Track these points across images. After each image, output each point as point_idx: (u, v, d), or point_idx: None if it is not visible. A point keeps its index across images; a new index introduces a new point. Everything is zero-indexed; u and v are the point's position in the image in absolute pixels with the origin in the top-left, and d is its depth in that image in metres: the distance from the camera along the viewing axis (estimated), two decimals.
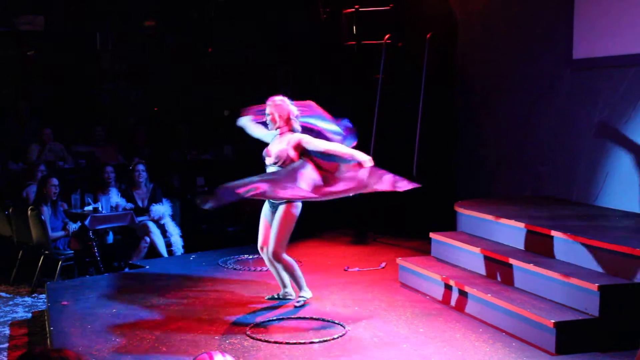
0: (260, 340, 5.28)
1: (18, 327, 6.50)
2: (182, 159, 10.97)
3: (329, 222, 9.53)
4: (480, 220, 6.80)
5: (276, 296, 6.26)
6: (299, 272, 6.12)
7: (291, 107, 5.96)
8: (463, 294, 5.99)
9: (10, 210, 8.20)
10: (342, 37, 10.06)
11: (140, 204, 8.65)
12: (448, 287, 6.19)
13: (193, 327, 5.61)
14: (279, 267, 6.08)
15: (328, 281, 6.99)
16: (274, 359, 4.96)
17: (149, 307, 6.15)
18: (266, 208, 6.07)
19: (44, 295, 7.12)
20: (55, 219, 8.02)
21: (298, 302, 6.09)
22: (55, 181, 8.05)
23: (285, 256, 5.99)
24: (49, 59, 11.96)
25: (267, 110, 5.97)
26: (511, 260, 5.93)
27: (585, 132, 7.36)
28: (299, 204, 5.94)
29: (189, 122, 11.81)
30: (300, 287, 6.13)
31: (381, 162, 9.03)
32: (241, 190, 5.46)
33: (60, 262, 7.77)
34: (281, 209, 5.89)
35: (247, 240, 8.51)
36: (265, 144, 6.05)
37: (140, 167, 8.79)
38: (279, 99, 5.98)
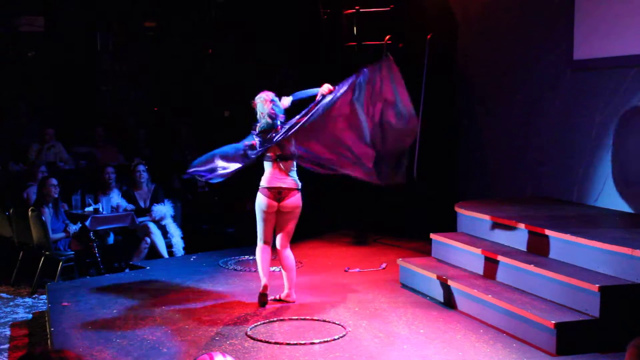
0: (261, 341, 5.29)
1: (19, 328, 6.50)
2: (182, 160, 10.97)
3: (330, 223, 9.53)
4: (481, 221, 6.80)
5: (278, 297, 6.26)
6: None
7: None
8: (463, 294, 5.99)
9: (11, 211, 8.20)
10: (342, 38, 10.06)
11: (141, 204, 8.65)
12: (448, 288, 6.19)
13: (194, 328, 5.62)
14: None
15: (329, 282, 6.99)
16: None
17: (150, 308, 6.15)
18: (265, 203, 6.06)
19: (44, 296, 7.12)
20: (56, 221, 8.02)
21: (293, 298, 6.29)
22: (54, 181, 8.05)
23: None
24: (49, 59, 11.97)
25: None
26: (511, 261, 5.93)
27: (585, 132, 7.36)
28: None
29: (189, 122, 11.82)
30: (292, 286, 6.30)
31: None
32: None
33: (60, 263, 7.76)
34: (292, 203, 6.05)
35: (247, 241, 8.52)
36: None
37: (141, 167, 8.80)
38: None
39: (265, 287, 6.13)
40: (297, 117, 6.03)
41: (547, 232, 5.98)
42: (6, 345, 6.05)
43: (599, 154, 7.19)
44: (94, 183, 9.00)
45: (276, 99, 6.12)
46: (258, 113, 6.09)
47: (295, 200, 6.07)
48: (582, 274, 5.39)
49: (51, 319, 5.93)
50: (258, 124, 6.08)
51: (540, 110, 7.98)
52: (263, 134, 6.05)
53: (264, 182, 6.09)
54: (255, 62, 12.07)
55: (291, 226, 6.17)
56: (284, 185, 6.05)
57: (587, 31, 7.31)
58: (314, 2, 10.29)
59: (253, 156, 6.08)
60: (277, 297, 6.26)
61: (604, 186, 7.10)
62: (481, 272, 6.29)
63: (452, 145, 9.41)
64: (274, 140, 5.99)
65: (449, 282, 6.17)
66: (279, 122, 6.03)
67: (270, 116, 6.02)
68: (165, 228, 8.57)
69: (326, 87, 6.12)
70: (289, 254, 6.22)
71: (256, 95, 6.19)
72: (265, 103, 6.06)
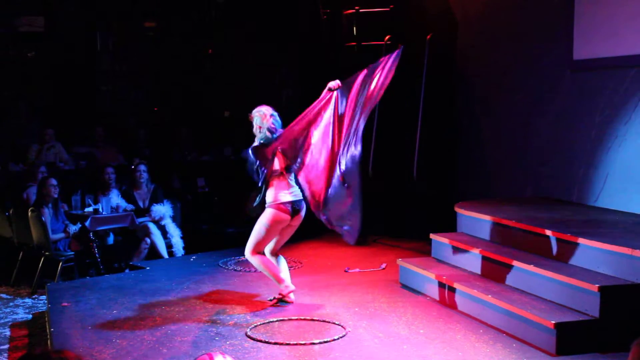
0: (260, 341, 5.29)
1: (18, 329, 6.50)
2: (182, 160, 10.98)
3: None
4: (481, 221, 6.80)
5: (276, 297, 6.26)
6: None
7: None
8: (463, 294, 5.98)
9: (11, 211, 8.20)
10: (342, 38, 10.06)
11: (140, 204, 8.65)
12: (448, 288, 6.19)
13: (193, 328, 5.62)
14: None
15: (328, 282, 6.99)
16: None
17: (150, 309, 6.16)
18: (281, 219, 6.03)
19: (44, 296, 7.12)
20: (56, 221, 8.01)
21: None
22: (53, 181, 8.05)
23: None
24: (49, 60, 11.97)
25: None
26: (511, 261, 5.93)
27: (585, 132, 7.36)
28: None
29: (189, 123, 11.82)
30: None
31: (382, 163, 9.10)
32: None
33: (60, 264, 7.76)
34: (303, 215, 6.12)
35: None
36: None
37: (142, 167, 8.81)
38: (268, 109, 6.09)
39: (292, 290, 6.19)
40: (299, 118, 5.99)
41: (547, 232, 5.98)
42: (6, 346, 6.05)
43: (599, 154, 7.19)
44: (93, 183, 8.99)
45: (275, 113, 6.10)
46: (255, 126, 6.07)
47: (304, 212, 6.11)
48: (582, 274, 5.39)
49: (51, 320, 5.93)
50: (256, 138, 6.06)
51: (540, 110, 7.98)
52: None
53: (278, 197, 5.99)
54: (255, 62, 12.07)
55: (292, 234, 6.27)
56: (296, 199, 6.04)
57: (587, 31, 7.31)
58: (314, 2, 10.29)
59: (263, 173, 5.98)
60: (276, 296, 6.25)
61: (604, 186, 7.10)
62: (481, 272, 6.29)
63: (452, 145, 9.41)
64: (273, 138, 5.97)
65: (449, 283, 6.16)
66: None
67: (270, 130, 6.01)
68: (165, 228, 8.57)
69: (335, 82, 5.96)
70: (281, 255, 6.37)
71: (256, 97, 6.19)
72: (264, 118, 6.03)
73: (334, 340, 5.32)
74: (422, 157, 8.74)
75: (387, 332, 5.50)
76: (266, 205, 6.05)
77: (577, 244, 5.69)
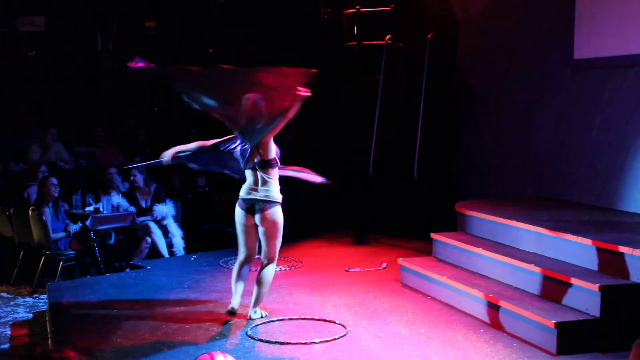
0: (261, 340, 5.29)
1: (19, 328, 6.51)
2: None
3: (330, 223, 9.53)
4: (481, 220, 6.80)
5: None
6: None
7: None
8: (464, 294, 5.98)
9: (12, 210, 8.20)
10: (343, 38, 10.06)
11: (143, 204, 8.66)
12: (449, 288, 6.19)
13: (194, 327, 5.62)
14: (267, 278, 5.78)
15: (329, 281, 6.99)
16: None
17: (150, 308, 6.16)
18: (241, 214, 5.65)
19: (45, 295, 7.12)
20: (56, 221, 8.02)
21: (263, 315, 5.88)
22: (54, 180, 8.06)
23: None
24: (49, 59, 11.98)
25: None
26: (512, 261, 5.93)
27: (586, 132, 7.36)
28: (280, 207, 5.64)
29: (189, 122, 11.81)
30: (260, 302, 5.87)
31: (383, 163, 9.11)
32: None
33: (61, 263, 7.77)
34: (270, 214, 5.57)
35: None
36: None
37: (135, 171, 8.76)
38: None
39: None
40: None
41: (548, 231, 5.98)
42: (7, 345, 6.05)
43: (599, 154, 7.19)
44: (94, 183, 8.99)
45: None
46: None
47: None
48: (582, 274, 5.39)
49: (51, 319, 5.93)
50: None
51: (540, 109, 7.98)
52: None
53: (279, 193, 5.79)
54: (255, 62, 12.06)
55: None
56: None
57: (587, 31, 7.31)
58: (314, 2, 10.29)
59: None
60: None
61: (605, 186, 7.11)
62: (482, 272, 6.29)
63: (452, 145, 9.41)
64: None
65: (450, 282, 6.17)
66: None
67: None
68: (166, 228, 8.57)
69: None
70: None
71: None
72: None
73: (335, 339, 5.32)
74: (422, 156, 8.74)
75: (387, 332, 5.50)
76: (275, 200, 5.64)
77: (577, 244, 5.69)
